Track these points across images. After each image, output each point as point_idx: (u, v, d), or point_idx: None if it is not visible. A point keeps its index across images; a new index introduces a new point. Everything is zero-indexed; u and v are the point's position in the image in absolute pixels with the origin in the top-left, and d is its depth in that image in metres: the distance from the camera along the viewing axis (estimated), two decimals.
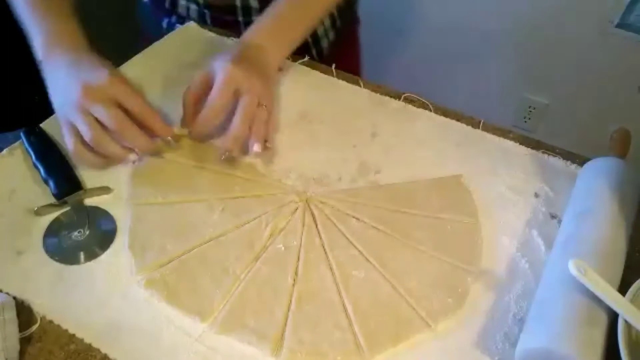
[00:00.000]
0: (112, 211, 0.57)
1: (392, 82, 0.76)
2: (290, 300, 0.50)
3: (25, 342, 0.46)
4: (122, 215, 0.57)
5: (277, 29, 0.69)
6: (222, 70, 0.60)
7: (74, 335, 0.47)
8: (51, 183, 0.57)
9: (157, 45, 0.78)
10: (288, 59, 0.76)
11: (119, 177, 0.60)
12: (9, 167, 0.60)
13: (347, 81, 0.74)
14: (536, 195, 0.61)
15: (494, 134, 0.68)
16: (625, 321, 0.44)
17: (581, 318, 0.44)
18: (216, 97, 0.59)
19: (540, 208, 0.59)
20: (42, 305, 0.49)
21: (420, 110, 0.70)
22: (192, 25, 0.83)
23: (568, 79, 1.51)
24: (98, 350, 0.46)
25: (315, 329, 0.48)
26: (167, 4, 0.86)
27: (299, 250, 0.54)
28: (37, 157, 0.59)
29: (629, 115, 1.42)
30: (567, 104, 1.58)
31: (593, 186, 0.56)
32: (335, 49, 0.90)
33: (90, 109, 0.56)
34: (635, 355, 0.43)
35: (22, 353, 0.46)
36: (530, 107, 1.63)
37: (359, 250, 0.54)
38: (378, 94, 0.72)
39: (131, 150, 0.58)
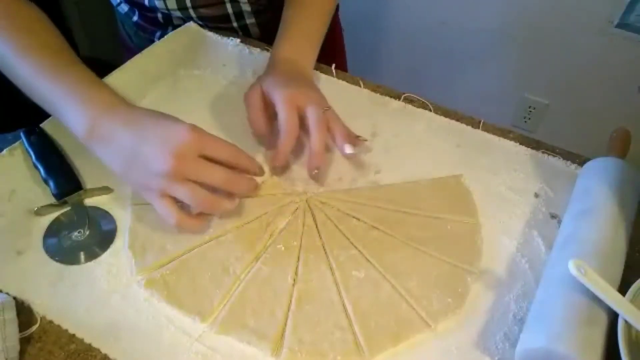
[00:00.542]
0: (112, 211, 0.57)
1: (393, 82, 0.76)
2: (290, 300, 0.50)
3: (25, 342, 0.46)
4: (122, 215, 0.57)
5: (301, 40, 0.71)
6: (279, 95, 0.60)
7: (74, 335, 0.47)
8: (51, 183, 0.57)
9: (157, 45, 0.78)
10: None
11: (119, 177, 0.60)
12: (9, 167, 0.60)
13: (347, 81, 0.74)
14: (536, 195, 0.61)
15: (494, 134, 0.68)
16: (625, 321, 0.44)
17: (581, 318, 0.44)
18: (287, 121, 0.58)
19: (540, 208, 0.59)
20: (42, 305, 0.49)
21: (420, 110, 0.70)
22: (192, 25, 0.83)
23: (568, 79, 1.51)
24: (98, 350, 0.46)
25: (315, 329, 0.48)
26: (160, 19, 0.85)
27: (299, 250, 0.54)
28: (37, 157, 0.59)
29: (629, 115, 1.42)
30: (567, 104, 1.58)
31: (593, 186, 0.56)
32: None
33: (189, 175, 0.50)
34: (635, 355, 0.43)
35: (22, 353, 0.46)
36: (530, 107, 1.63)
37: (359, 251, 0.54)
38: (378, 94, 0.72)
39: (234, 198, 0.54)
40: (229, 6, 0.82)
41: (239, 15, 0.83)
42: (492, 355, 0.47)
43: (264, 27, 0.87)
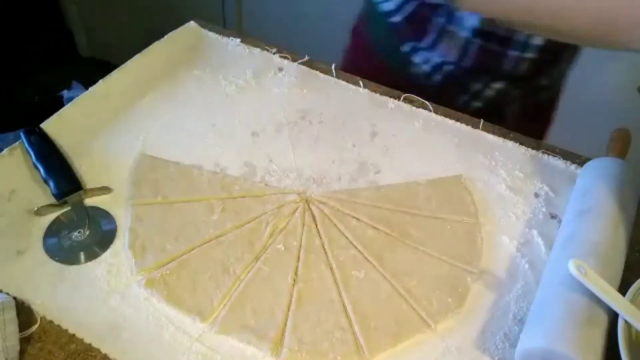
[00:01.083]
0: (112, 211, 0.57)
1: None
2: (290, 300, 0.50)
3: (25, 342, 0.46)
4: (122, 215, 0.57)
5: None
6: None
7: (74, 335, 0.47)
8: (51, 183, 0.57)
9: (157, 45, 0.78)
10: (287, 58, 0.76)
11: (119, 177, 0.60)
12: (9, 167, 0.60)
13: (347, 81, 0.74)
14: (536, 195, 0.61)
15: (493, 134, 0.68)
16: (625, 321, 0.44)
17: (581, 318, 0.44)
18: None
19: (540, 208, 0.59)
20: (42, 305, 0.49)
21: (420, 110, 0.70)
22: (192, 25, 0.82)
23: (568, 79, 1.51)
24: (98, 350, 0.46)
25: (315, 329, 0.48)
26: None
27: (299, 250, 0.54)
28: (37, 157, 0.59)
29: (629, 115, 1.42)
30: (567, 104, 1.57)
31: (593, 186, 0.56)
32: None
33: None
34: (635, 355, 0.43)
35: (22, 353, 0.46)
36: None
37: (359, 250, 0.54)
38: (378, 94, 0.72)
39: None
40: (522, 33, 0.70)
41: (524, 45, 0.72)
42: (492, 355, 0.47)
43: (532, 74, 0.76)
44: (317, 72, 0.75)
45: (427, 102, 0.71)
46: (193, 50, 0.78)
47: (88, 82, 0.71)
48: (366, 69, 0.76)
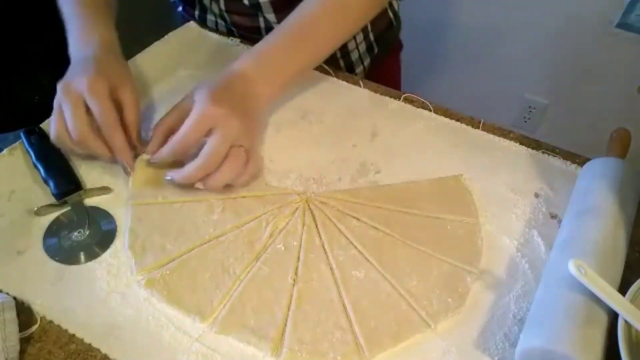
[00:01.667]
0: (112, 211, 0.57)
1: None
2: (290, 300, 0.50)
3: (25, 342, 0.46)
4: (122, 215, 0.57)
5: (275, 58, 0.62)
6: (198, 105, 0.55)
7: (74, 335, 0.47)
8: (51, 183, 0.57)
9: (157, 45, 0.78)
10: None
11: (119, 177, 0.60)
12: (9, 167, 0.60)
13: (347, 81, 0.74)
14: (536, 195, 0.61)
15: (494, 134, 0.68)
16: (625, 321, 0.44)
17: (581, 318, 0.44)
18: (185, 132, 0.54)
19: (540, 208, 0.59)
20: (42, 305, 0.49)
21: (420, 110, 0.70)
22: (192, 25, 0.83)
23: (568, 79, 1.51)
24: (98, 350, 0.46)
25: (315, 328, 0.48)
26: (196, 15, 0.85)
27: (299, 250, 0.54)
28: (37, 157, 0.59)
29: (629, 115, 1.42)
30: (567, 104, 1.58)
31: (593, 186, 0.56)
32: (371, 77, 0.84)
33: (86, 100, 0.56)
34: (635, 355, 0.43)
35: (22, 353, 0.46)
36: (530, 107, 1.63)
37: (359, 251, 0.54)
38: (378, 94, 0.72)
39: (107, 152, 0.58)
40: (261, 20, 0.79)
41: (270, 30, 0.75)
42: (492, 355, 0.47)
43: None
44: (317, 72, 0.75)
45: (427, 102, 0.71)
46: (193, 50, 0.78)
47: None
48: None
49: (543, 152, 0.65)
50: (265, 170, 0.62)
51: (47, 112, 0.62)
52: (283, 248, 0.54)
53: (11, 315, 0.46)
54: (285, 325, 0.49)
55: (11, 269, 0.51)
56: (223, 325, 0.48)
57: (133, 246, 0.53)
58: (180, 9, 0.87)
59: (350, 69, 0.85)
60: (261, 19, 0.78)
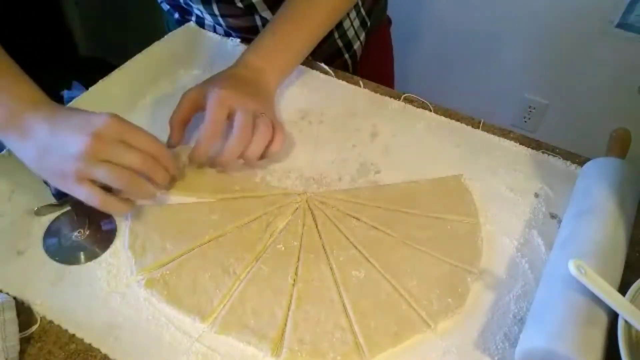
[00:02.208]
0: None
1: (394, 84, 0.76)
2: (290, 300, 0.50)
3: (25, 342, 0.46)
4: (122, 215, 0.57)
5: (275, 48, 0.67)
6: (213, 93, 0.58)
7: (74, 335, 0.47)
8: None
9: (157, 45, 0.78)
10: None
11: None
12: (9, 167, 0.60)
13: (347, 81, 0.74)
14: (536, 195, 0.61)
15: (494, 134, 0.68)
16: (625, 321, 0.44)
17: (581, 318, 0.44)
18: (211, 119, 0.57)
19: (540, 208, 0.59)
20: (42, 305, 0.49)
21: (420, 110, 0.70)
22: (192, 25, 0.83)
23: (568, 79, 1.51)
24: (98, 350, 0.46)
25: (315, 329, 0.48)
26: (193, 21, 0.85)
27: (299, 250, 0.54)
28: None
29: (629, 115, 1.42)
30: (567, 104, 1.58)
31: (593, 186, 0.56)
32: (368, 50, 0.90)
33: (107, 156, 0.50)
34: (635, 355, 0.43)
35: (22, 353, 0.46)
36: (530, 107, 1.63)
37: (359, 251, 0.54)
38: (378, 94, 0.72)
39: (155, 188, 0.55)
40: (257, 18, 0.79)
41: None
42: (492, 355, 0.47)
43: None
44: (317, 72, 0.75)
45: (427, 102, 0.71)
46: (193, 50, 0.78)
47: (88, 82, 0.71)
48: None
49: (543, 152, 0.65)
50: (265, 170, 0.62)
51: None
52: (283, 248, 0.54)
53: (11, 315, 0.46)
54: (285, 325, 0.49)
55: (11, 269, 0.51)
56: (223, 325, 0.48)
57: (133, 246, 0.53)
58: (176, 15, 0.87)
59: (348, 46, 0.86)
60: (257, 18, 0.79)
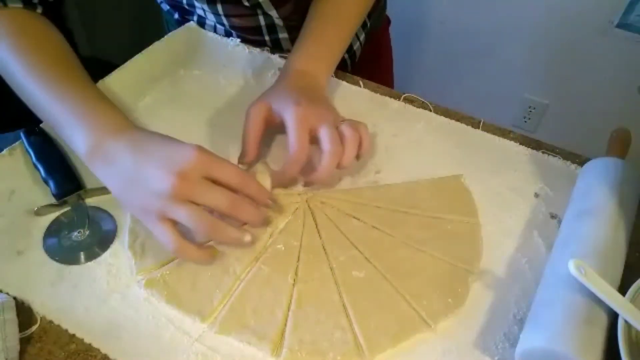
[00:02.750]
0: (112, 211, 0.57)
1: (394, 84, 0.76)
2: (290, 300, 0.50)
3: (25, 342, 0.46)
4: (122, 215, 0.57)
5: (320, 51, 0.68)
6: (290, 112, 0.57)
7: (74, 335, 0.47)
8: (51, 183, 0.57)
9: (157, 45, 0.78)
10: (287, 58, 0.76)
11: None
12: (9, 167, 0.60)
13: (347, 81, 0.74)
14: (536, 195, 0.61)
15: (494, 134, 0.68)
16: (625, 321, 0.44)
17: (581, 318, 0.44)
18: (296, 143, 0.55)
19: (540, 208, 0.59)
20: (42, 305, 0.49)
21: (420, 110, 0.70)
22: (192, 25, 0.83)
23: (568, 79, 1.51)
24: (98, 350, 0.46)
25: (315, 329, 0.48)
26: (194, 21, 0.84)
27: (299, 250, 0.54)
28: (37, 157, 0.59)
29: (629, 115, 1.42)
30: (567, 104, 1.58)
31: (593, 186, 0.56)
32: (367, 50, 0.90)
33: (192, 196, 0.47)
34: (635, 355, 0.43)
35: (22, 353, 0.46)
36: (530, 107, 1.63)
37: (359, 251, 0.54)
38: (378, 94, 0.72)
39: (244, 229, 0.51)
40: (261, 18, 0.79)
41: (271, 28, 0.80)
42: (492, 355, 0.47)
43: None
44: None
45: (427, 102, 0.71)
46: (193, 50, 0.78)
47: None
48: None
49: (543, 152, 0.65)
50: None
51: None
52: (283, 248, 0.54)
53: (11, 315, 0.46)
54: (285, 325, 0.49)
55: (11, 269, 0.51)
56: (223, 325, 0.48)
57: (133, 246, 0.53)
58: (176, 16, 0.87)
59: (348, 47, 0.86)
60: (261, 17, 0.79)
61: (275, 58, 0.77)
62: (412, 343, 0.48)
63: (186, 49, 0.78)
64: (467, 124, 0.69)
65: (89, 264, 0.52)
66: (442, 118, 0.69)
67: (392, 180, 0.62)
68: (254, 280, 0.51)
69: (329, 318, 0.49)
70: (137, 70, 0.73)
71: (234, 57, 0.77)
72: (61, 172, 0.58)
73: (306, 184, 0.60)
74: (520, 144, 0.66)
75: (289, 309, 0.50)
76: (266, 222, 0.55)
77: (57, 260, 0.52)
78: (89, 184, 0.59)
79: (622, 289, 0.47)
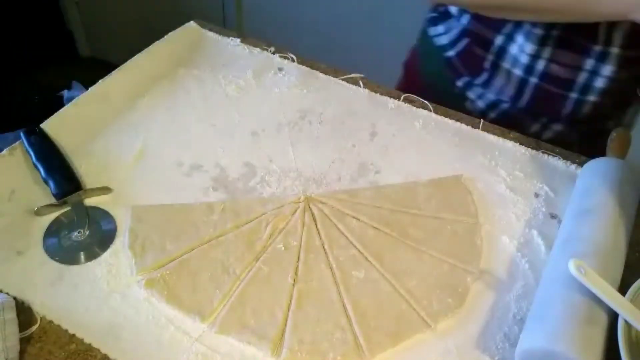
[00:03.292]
0: (112, 211, 0.57)
1: (392, 83, 0.76)
2: (290, 300, 0.50)
3: (25, 342, 0.46)
4: (122, 215, 0.57)
5: None
6: None
7: (74, 335, 0.47)
8: (51, 183, 0.57)
9: (157, 45, 0.78)
10: (287, 58, 0.76)
11: (119, 177, 0.60)
12: (9, 167, 0.60)
13: (347, 81, 0.74)
14: (536, 195, 0.61)
15: (494, 134, 0.68)
16: (625, 321, 0.44)
17: (581, 318, 0.44)
18: None
19: (540, 208, 0.59)
20: (42, 305, 0.49)
21: (420, 110, 0.70)
22: (192, 25, 0.82)
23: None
24: (98, 350, 0.46)
25: (315, 329, 0.48)
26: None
27: (299, 250, 0.54)
28: (37, 157, 0.59)
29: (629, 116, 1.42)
30: None
31: (593, 186, 0.56)
32: None
33: None
34: (635, 355, 0.43)
35: (22, 353, 0.46)
36: None
37: (359, 250, 0.54)
38: (378, 94, 0.72)
39: None
40: (582, 75, 0.67)
41: (585, 88, 0.69)
42: (492, 355, 0.47)
43: (595, 117, 0.72)
44: (317, 72, 0.75)
45: (427, 102, 0.71)
46: (193, 50, 0.78)
47: (88, 82, 0.71)
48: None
49: (543, 152, 0.65)
50: (265, 171, 0.62)
51: (47, 112, 0.62)
52: (283, 248, 0.54)
53: (11, 315, 0.46)
54: (285, 325, 0.49)
55: (11, 269, 0.51)
56: (223, 325, 0.48)
57: (133, 246, 0.53)
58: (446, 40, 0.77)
59: None
60: (583, 73, 0.68)
61: (275, 58, 0.77)
62: (412, 343, 0.48)
63: (186, 49, 0.78)
64: (467, 124, 0.69)
65: (89, 264, 0.52)
66: (442, 118, 0.69)
67: (392, 180, 0.62)
68: (253, 280, 0.51)
69: (329, 318, 0.49)
70: (137, 70, 0.73)
71: (234, 57, 0.77)
72: (61, 172, 0.58)
73: None
74: (520, 144, 0.66)
75: (288, 309, 0.49)
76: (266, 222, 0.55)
77: (57, 260, 0.52)
78: (89, 184, 0.59)
79: (622, 289, 0.47)
